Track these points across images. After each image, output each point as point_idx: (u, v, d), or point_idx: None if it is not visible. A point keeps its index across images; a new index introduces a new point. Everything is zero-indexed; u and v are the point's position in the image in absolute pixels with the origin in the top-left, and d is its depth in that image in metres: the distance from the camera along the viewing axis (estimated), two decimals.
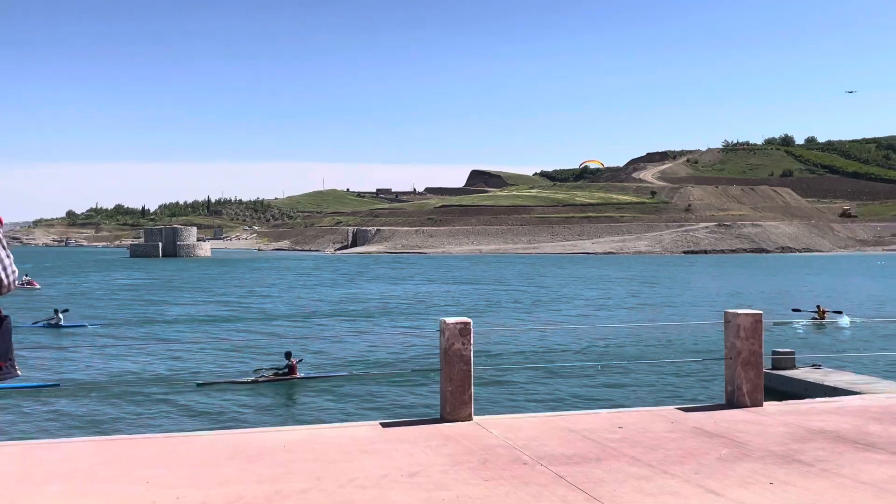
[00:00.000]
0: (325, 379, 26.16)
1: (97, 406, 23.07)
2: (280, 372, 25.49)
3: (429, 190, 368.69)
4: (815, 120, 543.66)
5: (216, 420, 21.06)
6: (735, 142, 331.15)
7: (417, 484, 6.62)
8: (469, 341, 8.96)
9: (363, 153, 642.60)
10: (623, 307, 53.31)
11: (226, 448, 7.78)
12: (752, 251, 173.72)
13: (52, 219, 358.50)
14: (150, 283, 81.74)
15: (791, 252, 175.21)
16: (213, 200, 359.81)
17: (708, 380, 25.30)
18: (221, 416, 21.59)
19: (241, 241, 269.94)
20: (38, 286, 71.36)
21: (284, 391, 24.75)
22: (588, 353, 32.29)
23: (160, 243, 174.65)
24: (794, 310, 42.79)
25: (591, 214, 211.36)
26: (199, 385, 25.25)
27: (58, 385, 24.89)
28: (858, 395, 13.59)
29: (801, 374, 23.05)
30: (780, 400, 10.62)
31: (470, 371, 8.96)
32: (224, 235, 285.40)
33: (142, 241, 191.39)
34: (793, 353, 24.22)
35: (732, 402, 9.69)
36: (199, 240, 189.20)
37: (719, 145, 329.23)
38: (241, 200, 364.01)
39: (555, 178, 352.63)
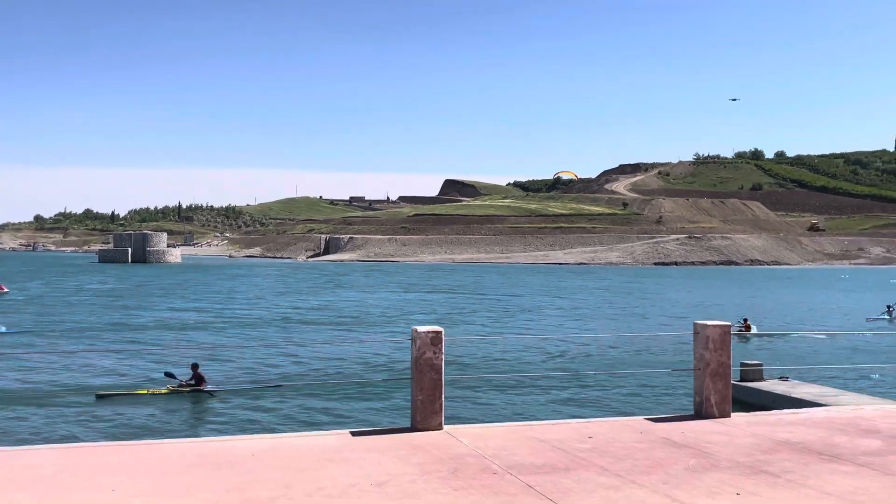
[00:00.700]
0: (295, 388, 25.82)
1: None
2: (187, 382, 24.17)
3: (402, 198, 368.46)
4: (785, 134, 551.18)
5: (173, 433, 20.73)
6: (706, 155, 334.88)
7: (386, 493, 6.59)
8: (440, 350, 8.95)
9: (336, 161, 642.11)
10: (594, 318, 53.54)
11: (192, 456, 7.70)
12: (722, 263, 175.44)
13: (20, 223, 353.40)
14: (114, 290, 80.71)
15: (760, 265, 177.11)
16: (184, 206, 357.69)
17: (677, 390, 25.44)
18: (168, 425, 20.61)
19: (212, 248, 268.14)
20: (6, 290, 70.42)
21: (240, 401, 24.47)
22: (558, 362, 32.37)
23: (129, 249, 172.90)
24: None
25: (563, 225, 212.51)
26: (98, 397, 23.52)
27: None
28: (825, 407, 13.77)
29: (769, 385, 23.29)
30: (748, 411, 10.72)
31: (441, 380, 8.94)
32: (195, 242, 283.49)
33: (111, 246, 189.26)
34: (761, 364, 24.50)
35: (701, 413, 9.76)
36: (169, 246, 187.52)
37: (691, 158, 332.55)
38: (212, 207, 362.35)
39: (528, 188, 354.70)
